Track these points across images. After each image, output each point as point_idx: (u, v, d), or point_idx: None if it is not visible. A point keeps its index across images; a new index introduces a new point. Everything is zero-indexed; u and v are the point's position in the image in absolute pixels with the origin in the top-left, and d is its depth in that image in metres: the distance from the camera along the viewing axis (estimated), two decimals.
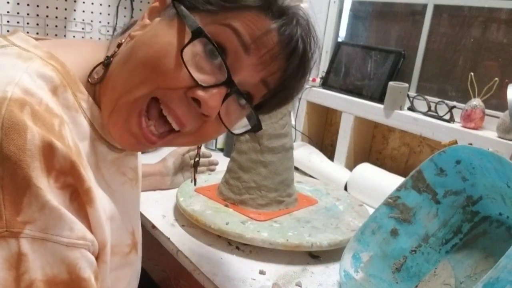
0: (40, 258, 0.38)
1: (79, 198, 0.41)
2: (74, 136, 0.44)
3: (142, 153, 0.82)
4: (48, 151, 0.38)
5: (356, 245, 0.72)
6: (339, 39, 1.49)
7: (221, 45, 0.45)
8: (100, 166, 0.50)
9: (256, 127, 0.51)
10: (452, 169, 0.71)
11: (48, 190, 0.38)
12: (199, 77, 0.44)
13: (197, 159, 0.72)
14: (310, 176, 1.24)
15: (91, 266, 0.42)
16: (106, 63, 0.48)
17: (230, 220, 0.81)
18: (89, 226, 0.43)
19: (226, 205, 0.88)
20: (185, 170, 1.04)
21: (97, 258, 0.45)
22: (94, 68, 0.48)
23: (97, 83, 0.48)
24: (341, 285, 0.66)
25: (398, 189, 0.75)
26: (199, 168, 1.02)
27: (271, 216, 0.86)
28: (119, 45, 0.49)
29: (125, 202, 0.55)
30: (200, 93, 0.44)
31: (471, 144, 0.91)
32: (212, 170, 1.09)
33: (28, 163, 0.37)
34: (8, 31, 1.37)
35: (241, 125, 0.52)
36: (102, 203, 0.47)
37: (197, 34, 0.43)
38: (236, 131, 0.51)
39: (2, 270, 0.36)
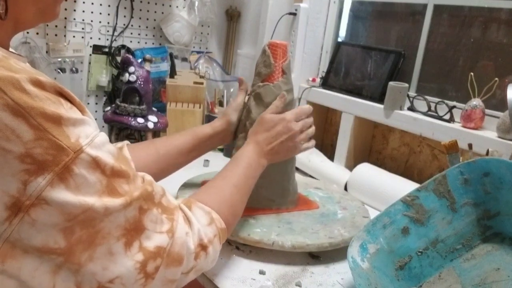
0: (103, 152, 0.47)
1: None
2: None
3: None
4: (40, 86, 0.43)
5: (365, 235, 0.71)
6: (339, 39, 1.49)
7: None
8: None
9: None
10: (477, 180, 0.71)
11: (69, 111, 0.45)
12: None
13: None
14: (310, 176, 1.24)
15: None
16: None
17: None
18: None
19: None
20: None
21: None
22: None
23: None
24: (350, 270, 0.66)
25: (419, 189, 0.74)
26: None
27: (252, 212, 0.85)
28: None
29: None
30: None
31: (470, 144, 0.91)
32: None
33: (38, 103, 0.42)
34: None
35: None
36: None
37: None
38: None
39: (93, 173, 0.45)
